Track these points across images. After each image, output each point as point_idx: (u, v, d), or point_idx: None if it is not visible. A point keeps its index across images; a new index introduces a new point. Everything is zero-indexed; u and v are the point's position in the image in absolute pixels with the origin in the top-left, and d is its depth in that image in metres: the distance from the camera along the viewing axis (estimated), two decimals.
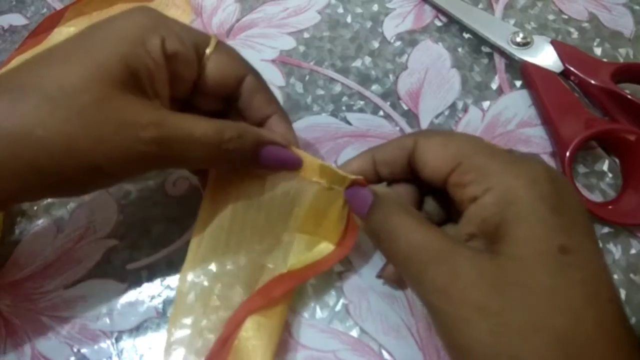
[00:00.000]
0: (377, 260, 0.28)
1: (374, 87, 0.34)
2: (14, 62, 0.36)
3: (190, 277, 0.26)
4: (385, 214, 0.22)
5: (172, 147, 0.22)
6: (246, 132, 0.24)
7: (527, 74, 0.33)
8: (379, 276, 0.27)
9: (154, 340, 0.27)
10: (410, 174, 0.24)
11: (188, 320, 0.25)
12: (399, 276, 0.26)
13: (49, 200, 0.31)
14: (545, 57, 0.33)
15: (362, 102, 0.34)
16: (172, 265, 0.29)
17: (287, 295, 0.26)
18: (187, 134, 0.22)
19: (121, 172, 0.22)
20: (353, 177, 0.24)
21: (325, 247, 0.26)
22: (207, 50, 0.24)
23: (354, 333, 0.26)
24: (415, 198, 0.25)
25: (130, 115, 0.21)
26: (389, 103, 0.33)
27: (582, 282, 0.18)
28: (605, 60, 0.34)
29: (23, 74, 0.21)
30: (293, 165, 0.25)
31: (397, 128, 0.32)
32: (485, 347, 0.18)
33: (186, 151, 0.22)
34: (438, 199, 0.25)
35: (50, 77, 0.21)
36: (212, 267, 0.26)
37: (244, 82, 0.25)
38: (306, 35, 0.37)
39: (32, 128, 0.20)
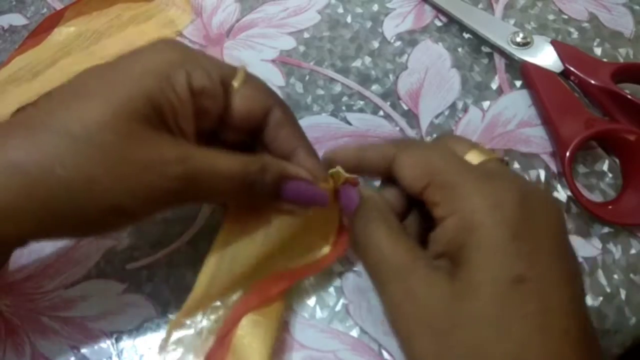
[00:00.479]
0: None
1: (374, 87, 0.34)
2: (15, 62, 0.36)
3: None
4: (364, 220, 0.22)
5: (197, 183, 0.21)
6: (270, 165, 0.23)
7: (527, 74, 0.33)
8: None
9: (154, 340, 0.27)
10: (395, 182, 0.24)
11: (188, 320, 0.25)
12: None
13: None
14: (545, 57, 0.33)
15: (362, 102, 0.34)
16: (172, 265, 0.29)
17: (282, 293, 0.26)
18: (212, 169, 0.21)
19: (143, 211, 0.21)
20: (347, 175, 0.24)
21: (323, 250, 0.26)
22: (235, 84, 0.24)
23: (354, 333, 0.26)
24: (403, 203, 0.24)
25: (154, 153, 0.20)
26: (389, 103, 0.33)
27: (534, 313, 0.18)
28: (605, 60, 0.34)
29: (43, 109, 0.21)
30: (318, 202, 0.24)
31: (397, 128, 0.32)
32: None
33: (211, 186, 0.22)
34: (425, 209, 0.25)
35: (71, 113, 0.20)
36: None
37: (270, 115, 0.24)
38: (306, 35, 0.37)
39: (51, 167, 0.19)
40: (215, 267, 0.25)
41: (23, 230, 0.20)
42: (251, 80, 0.24)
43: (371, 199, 0.24)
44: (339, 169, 0.24)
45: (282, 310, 0.26)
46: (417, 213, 0.24)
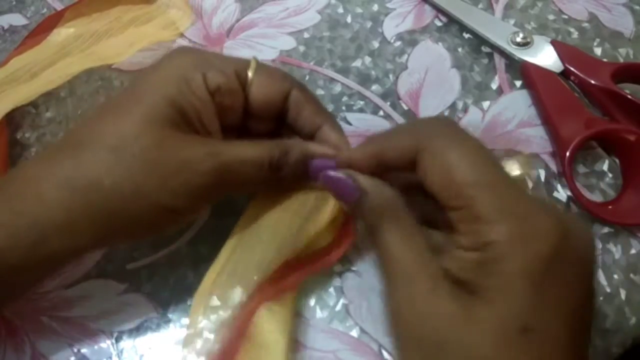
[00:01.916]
0: (377, 260, 0.28)
1: (374, 87, 0.34)
2: (13, 62, 0.36)
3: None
4: (376, 217, 0.22)
5: (229, 174, 0.23)
6: (291, 147, 0.24)
7: (527, 74, 0.33)
8: None
9: (154, 340, 0.27)
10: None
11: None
12: None
13: None
14: (545, 57, 0.33)
15: (362, 102, 0.34)
16: (172, 265, 0.29)
17: (297, 283, 0.26)
18: (240, 159, 0.23)
19: (186, 208, 0.23)
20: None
21: (324, 235, 0.26)
22: (249, 74, 0.25)
23: (354, 333, 0.26)
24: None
25: (186, 152, 0.22)
26: (389, 103, 0.33)
27: None
28: (605, 60, 0.34)
29: (82, 129, 0.23)
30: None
31: None
32: None
33: (241, 175, 0.23)
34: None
35: (108, 129, 0.22)
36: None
37: (289, 97, 0.25)
38: (306, 35, 0.37)
39: (100, 179, 0.21)
40: (234, 247, 0.26)
41: (80, 243, 0.22)
42: (264, 68, 0.26)
43: (383, 194, 0.22)
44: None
45: (297, 299, 0.26)
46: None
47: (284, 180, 0.25)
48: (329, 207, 0.26)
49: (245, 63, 0.25)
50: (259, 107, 0.25)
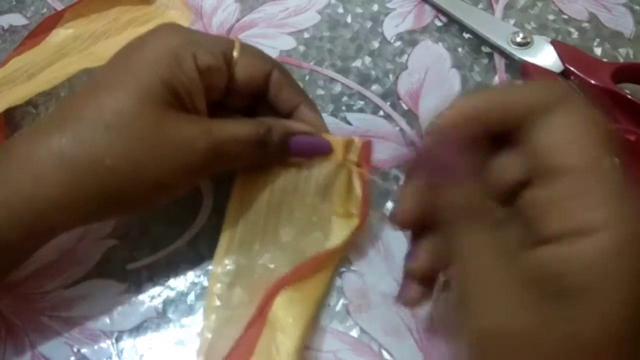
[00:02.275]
0: (377, 261, 0.28)
1: (374, 87, 0.34)
2: (12, 63, 0.35)
3: (219, 269, 0.26)
4: (463, 229, 0.17)
5: (222, 151, 0.24)
6: (275, 125, 0.25)
7: (527, 74, 0.33)
8: (397, 301, 0.21)
9: (154, 340, 0.27)
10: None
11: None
12: (418, 297, 0.21)
13: None
14: (545, 57, 0.33)
15: (362, 102, 0.34)
16: (172, 265, 0.29)
17: (323, 269, 0.26)
18: (232, 136, 0.24)
19: (181, 184, 0.24)
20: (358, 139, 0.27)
21: (351, 222, 0.27)
22: (234, 54, 0.26)
23: (354, 333, 0.26)
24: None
25: (182, 131, 0.23)
26: (389, 103, 0.33)
27: None
28: (605, 60, 0.34)
29: (77, 105, 0.23)
30: (323, 150, 0.27)
31: (397, 128, 0.32)
32: None
33: (232, 152, 0.24)
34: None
35: (104, 106, 0.22)
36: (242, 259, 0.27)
37: (271, 77, 0.26)
38: (306, 35, 0.37)
39: (100, 157, 0.22)
40: (235, 227, 0.27)
41: (74, 218, 0.23)
42: (247, 48, 0.26)
43: (466, 189, 0.18)
44: (354, 138, 0.27)
45: (324, 285, 0.27)
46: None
47: (267, 156, 0.26)
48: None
49: (230, 43, 0.26)
50: (242, 86, 0.26)
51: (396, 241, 0.28)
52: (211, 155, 0.23)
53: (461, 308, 0.17)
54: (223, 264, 0.26)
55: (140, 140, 0.22)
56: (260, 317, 0.24)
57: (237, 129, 0.24)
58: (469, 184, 0.17)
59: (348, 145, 0.27)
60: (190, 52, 0.24)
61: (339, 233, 0.27)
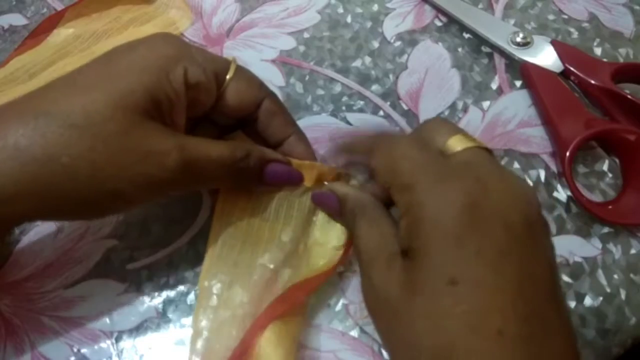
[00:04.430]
0: None
1: (374, 87, 0.34)
2: (13, 63, 0.36)
3: (206, 283, 0.26)
4: (352, 214, 0.24)
5: (193, 170, 0.23)
6: (253, 151, 0.25)
7: (527, 74, 0.33)
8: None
9: (154, 340, 0.27)
10: None
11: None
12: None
13: None
14: (545, 57, 0.33)
15: (362, 102, 0.34)
16: (172, 265, 0.29)
17: (303, 303, 0.26)
18: (206, 156, 0.23)
19: (142, 198, 0.23)
20: (338, 170, 0.27)
21: (335, 254, 0.27)
22: (227, 77, 0.25)
23: (354, 333, 0.26)
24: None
25: (154, 143, 0.22)
26: (389, 103, 0.33)
27: (464, 313, 0.18)
28: (605, 60, 0.34)
29: (46, 99, 0.22)
30: (296, 181, 0.27)
31: (397, 128, 0.32)
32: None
33: (205, 172, 0.23)
34: None
35: (74, 105, 0.21)
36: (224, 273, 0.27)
37: (261, 106, 0.26)
38: (306, 35, 0.37)
39: (57, 155, 0.20)
40: (216, 244, 0.27)
41: (25, 211, 0.21)
42: (242, 73, 0.26)
43: (356, 196, 0.25)
44: (315, 164, 0.27)
45: (303, 319, 0.26)
46: None
47: (242, 182, 0.26)
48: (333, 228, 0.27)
49: (225, 64, 0.25)
50: (230, 109, 0.26)
51: None
52: (181, 172, 0.22)
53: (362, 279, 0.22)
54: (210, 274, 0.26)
55: (104, 144, 0.21)
56: (245, 353, 0.24)
57: (213, 150, 0.24)
58: (360, 196, 0.24)
59: (339, 175, 0.27)
60: (182, 64, 0.23)
61: (316, 262, 0.26)
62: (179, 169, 0.22)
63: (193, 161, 0.23)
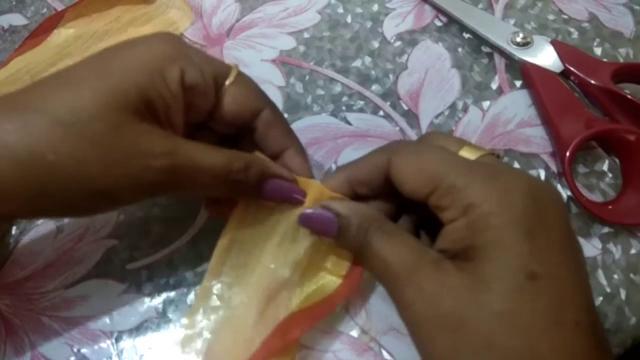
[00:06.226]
0: None
1: (374, 87, 0.34)
2: (14, 63, 0.36)
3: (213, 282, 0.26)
4: (361, 232, 0.22)
5: (181, 176, 0.22)
6: (253, 163, 0.24)
7: (527, 74, 0.33)
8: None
9: (154, 340, 0.27)
10: (388, 188, 0.24)
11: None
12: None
13: None
14: (545, 57, 0.33)
15: (362, 102, 0.34)
16: (172, 265, 0.29)
17: (299, 337, 0.25)
18: (198, 164, 0.22)
19: (129, 198, 0.22)
20: (337, 196, 0.25)
21: (330, 281, 0.25)
22: (226, 82, 0.24)
23: (354, 333, 0.26)
24: (391, 211, 0.25)
25: (142, 145, 0.21)
26: (389, 103, 0.33)
27: (546, 307, 0.18)
28: (605, 60, 0.34)
29: (35, 95, 0.21)
30: (295, 199, 0.25)
31: (397, 128, 0.32)
32: None
33: (194, 180, 0.22)
34: (416, 209, 0.24)
35: (62, 101, 0.21)
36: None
37: (260, 116, 0.25)
38: (306, 35, 0.37)
39: (43, 153, 0.20)
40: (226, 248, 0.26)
41: (12, 209, 0.21)
42: (242, 80, 0.25)
43: (362, 212, 0.23)
44: (312, 182, 0.25)
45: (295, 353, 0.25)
46: (409, 215, 0.25)
47: (237, 193, 0.25)
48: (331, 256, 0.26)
49: (226, 69, 0.25)
50: (227, 116, 0.25)
51: None
52: (168, 178, 0.21)
53: (394, 301, 0.21)
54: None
55: (91, 143, 0.20)
56: None
57: (207, 158, 0.22)
58: (366, 212, 0.23)
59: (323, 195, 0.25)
60: (180, 65, 0.22)
61: (307, 288, 0.25)
62: (165, 173, 0.21)
63: (182, 167, 0.22)
